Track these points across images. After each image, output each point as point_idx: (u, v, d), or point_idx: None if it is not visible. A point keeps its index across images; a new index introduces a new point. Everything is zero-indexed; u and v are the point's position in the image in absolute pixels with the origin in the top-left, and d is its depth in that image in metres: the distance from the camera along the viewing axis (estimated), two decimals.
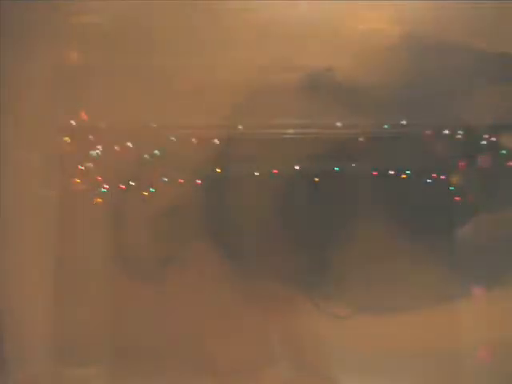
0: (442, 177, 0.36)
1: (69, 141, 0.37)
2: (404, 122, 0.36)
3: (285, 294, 0.37)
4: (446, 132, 0.36)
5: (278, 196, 0.37)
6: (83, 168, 0.37)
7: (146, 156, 0.36)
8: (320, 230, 0.37)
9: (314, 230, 0.37)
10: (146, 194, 0.37)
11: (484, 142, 0.35)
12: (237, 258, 0.37)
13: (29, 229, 0.37)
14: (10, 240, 0.37)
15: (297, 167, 0.36)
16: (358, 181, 0.36)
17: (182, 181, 0.36)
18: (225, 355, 0.37)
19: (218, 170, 0.36)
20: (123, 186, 0.36)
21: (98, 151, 0.36)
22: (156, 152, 0.36)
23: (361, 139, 0.36)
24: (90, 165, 0.36)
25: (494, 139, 0.35)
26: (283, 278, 0.37)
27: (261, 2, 0.36)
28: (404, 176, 0.36)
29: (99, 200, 0.37)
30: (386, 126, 0.36)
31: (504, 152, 0.35)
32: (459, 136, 0.36)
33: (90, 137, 0.36)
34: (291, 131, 0.36)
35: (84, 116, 0.37)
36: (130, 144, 0.36)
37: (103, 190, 0.37)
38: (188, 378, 0.36)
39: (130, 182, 0.37)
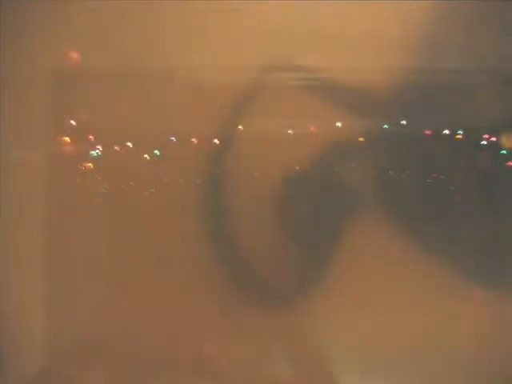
0: (442, 177, 0.36)
1: (69, 141, 0.37)
2: (404, 122, 0.36)
3: (285, 294, 0.37)
4: (447, 132, 0.36)
5: (279, 196, 0.37)
6: (83, 168, 0.37)
7: (145, 156, 0.36)
8: (320, 229, 0.37)
9: (315, 230, 0.37)
10: (147, 194, 0.37)
11: (484, 142, 0.35)
12: (236, 259, 0.37)
13: (28, 229, 0.37)
14: (10, 240, 0.37)
15: (297, 167, 0.36)
16: (359, 180, 0.36)
17: (181, 181, 0.36)
18: (224, 355, 0.37)
19: (218, 170, 0.36)
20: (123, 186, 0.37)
21: (97, 151, 0.36)
22: (156, 152, 0.36)
23: (361, 139, 0.36)
24: (90, 165, 0.37)
25: (493, 139, 0.35)
26: (283, 278, 0.37)
27: (261, 2, 0.36)
28: (404, 176, 0.36)
29: (99, 200, 0.37)
30: (385, 126, 0.36)
31: (504, 152, 0.35)
32: (459, 136, 0.36)
33: (90, 137, 0.36)
34: (291, 131, 0.36)
35: (84, 116, 0.37)
36: (130, 144, 0.36)
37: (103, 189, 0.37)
38: (187, 378, 0.36)
39: (130, 183, 0.37)
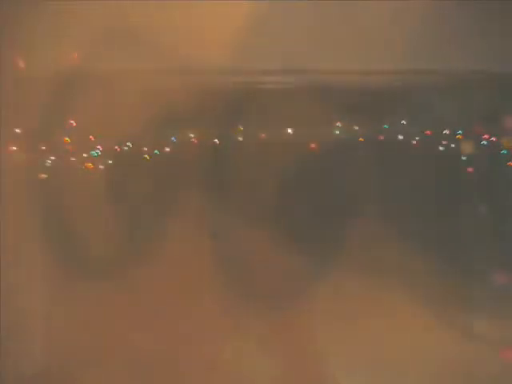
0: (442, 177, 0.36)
1: (69, 141, 0.37)
2: (404, 122, 0.36)
3: (286, 294, 0.37)
4: (447, 132, 0.36)
5: (278, 196, 0.37)
6: (83, 168, 0.37)
7: (145, 156, 0.36)
8: (320, 230, 0.37)
9: (315, 231, 0.37)
10: (147, 193, 0.37)
11: (484, 142, 0.36)
12: (236, 259, 0.37)
13: (28, 229, 0.37)
14: (9, 241, 0.37)
15: (296, 168, 0.36)
16: (358, 180, 0.36)
17: (181, 180, 0.37)
18: (224, 355, 0.37)
19: (219, 170, 0.37)
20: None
21: (97, 151, 0.36)
22: (156, 152, 0.36)
23: (361, 139, 0.36)
24: (90, 165, 0.37)
25: (493, 139, 0.35)
26: (283, 279, 0.37)
27: (260, 2, 0.36)
28: (404, 176, 0.36)
29: (99, 200, 0.37)
30: (385, 126, 0.36)
31: (504, 152, 0.35)
32: (459, 136, 0.36)
33: (90, 137, 0.36)
34: (291, 131, 0.36)
35: (84, 116, 0.37)
36: (130, 144, 0.36)
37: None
38: (186, 378, 0.36)
39: (130, 182, 0.37)
